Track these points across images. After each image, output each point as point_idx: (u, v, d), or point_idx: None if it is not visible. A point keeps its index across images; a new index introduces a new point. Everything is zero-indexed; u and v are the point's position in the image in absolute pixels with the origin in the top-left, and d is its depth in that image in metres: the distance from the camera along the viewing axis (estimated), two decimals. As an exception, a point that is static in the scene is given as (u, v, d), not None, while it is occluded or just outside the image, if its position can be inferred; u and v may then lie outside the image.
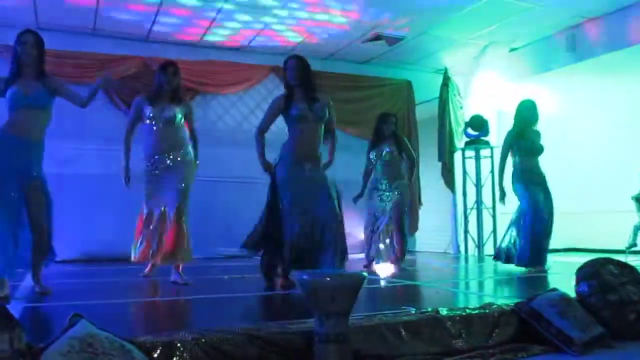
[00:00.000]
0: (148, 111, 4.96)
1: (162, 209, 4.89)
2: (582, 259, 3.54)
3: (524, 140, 5.93)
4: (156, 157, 4.89)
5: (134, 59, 7.76)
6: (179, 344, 2.18)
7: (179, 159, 4.86)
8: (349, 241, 4.74)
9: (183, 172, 4.82)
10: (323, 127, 4.73)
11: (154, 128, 4.94)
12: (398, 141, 6.48)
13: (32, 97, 4.06)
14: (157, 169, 4.89)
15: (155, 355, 2.12)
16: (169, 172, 4.84)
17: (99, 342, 1.92)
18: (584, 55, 7.68)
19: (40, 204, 4.06)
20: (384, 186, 6.33)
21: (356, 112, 9.10)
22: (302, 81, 4.59)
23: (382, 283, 4.91)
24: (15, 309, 2.89)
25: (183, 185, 4.79)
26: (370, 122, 9.12)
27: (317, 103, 4.62)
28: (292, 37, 8.03)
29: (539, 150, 6.02)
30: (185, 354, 2.18)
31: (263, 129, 4.65)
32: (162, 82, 5.02)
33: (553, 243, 10.55)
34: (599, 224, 10.54)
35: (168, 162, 4.85)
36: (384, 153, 6.38)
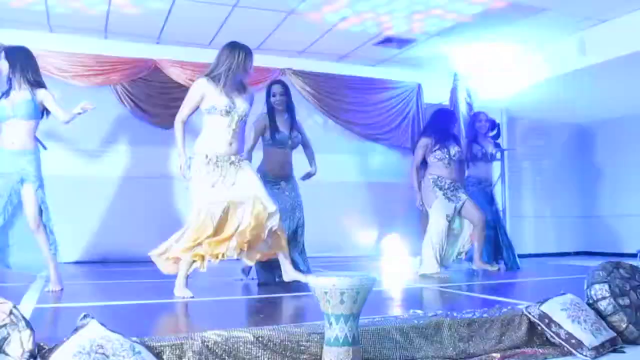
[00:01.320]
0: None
1: None
2: (594, 262, 3.51)
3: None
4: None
5: (145, 62, 7.80)
6: (187, 346, 2.19)
7: None
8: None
9: None
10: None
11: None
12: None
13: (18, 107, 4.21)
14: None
15: (165, 356, 2.13)
16: None
17: (109, 344, 1.93)
18: (594, 58, 7.63)
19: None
20: (454, 186, 5.85)
21: (366, 115, 9.10)
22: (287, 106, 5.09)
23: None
24: (25, 309, 2.91)
25: None
26: (380, 124, 9.17)
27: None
28: (302, 39, 8.03)
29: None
30: (194, 356, 2.18)
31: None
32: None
33: (564, 246, 10.55)
34: (610, 227, 10.48)
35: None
36: (453, 152, 5.86)
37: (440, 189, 5.74)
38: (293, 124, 5.08)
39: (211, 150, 4.09)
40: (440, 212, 5.64)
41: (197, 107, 4.22)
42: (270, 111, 5.05)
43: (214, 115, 4.12)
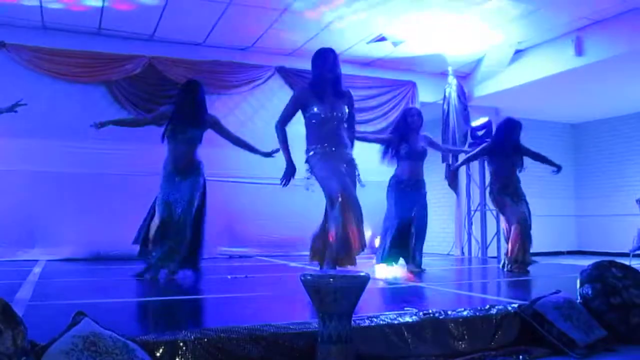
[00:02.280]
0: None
1: None
2: (586, 261, 3.53)
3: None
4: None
5: (139, 59, 7.78)
6: (182, 344, 2.19)
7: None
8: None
9: None
10: None
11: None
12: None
13: None
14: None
15: (158, 354, 2.13)
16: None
17: (102, 341, 1.92)
18: (590, 58, 7.65)
19: None
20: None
21: (360, 113, 9.10)
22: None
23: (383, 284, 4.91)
24: (18, 306, 2.90)
25: None
26: (374, 122, 9.16)
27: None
28: (296, 37, 8.03)
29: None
30: (188, 354, 2.18)
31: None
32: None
33: (557, 245, 10.59)
34: (603, 227, 10.53)
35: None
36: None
37: (507, 195, 5.91)
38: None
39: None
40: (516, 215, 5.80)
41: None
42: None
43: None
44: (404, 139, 5.91)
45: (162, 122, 5.08)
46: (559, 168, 6.23)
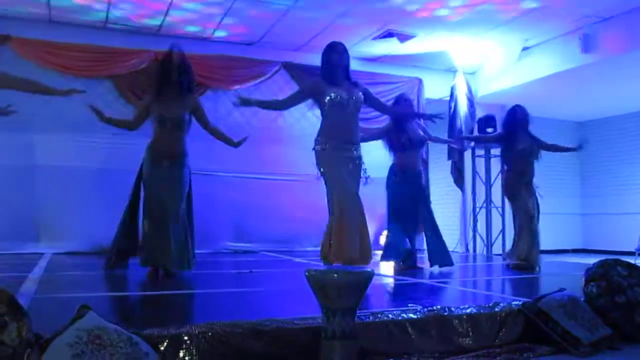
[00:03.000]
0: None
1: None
2: (591, 260, 3.52)
3: None
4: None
5: (145, 53, 7.78)
6: (186, 337, 2.19)
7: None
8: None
9: None
10: None
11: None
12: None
13: None
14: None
15: (162, 348, 2.13)
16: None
17: (106, 334, 1.93)
18: (597, 55, 7.62)
19: None
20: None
21: (367, 109, 9.07)
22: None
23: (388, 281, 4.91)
24: (23, 299, 2.91)
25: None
26: (380, 118, 9.13)
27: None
28: (303, 33, 8.02)
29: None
30: (192, 348, 2.18)
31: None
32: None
33: (562, 243, 10.56)
34: (609, 225, 10.50)
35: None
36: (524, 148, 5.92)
37: (522, 184, 5.80)
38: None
39: None
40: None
41: None
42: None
43: None
44: (401, 128, 5.75)
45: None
46: (576, 149, 6.22)
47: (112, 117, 5.03)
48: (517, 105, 6.19)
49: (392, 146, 5.85)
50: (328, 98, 4.51)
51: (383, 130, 6.01)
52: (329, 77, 4.64)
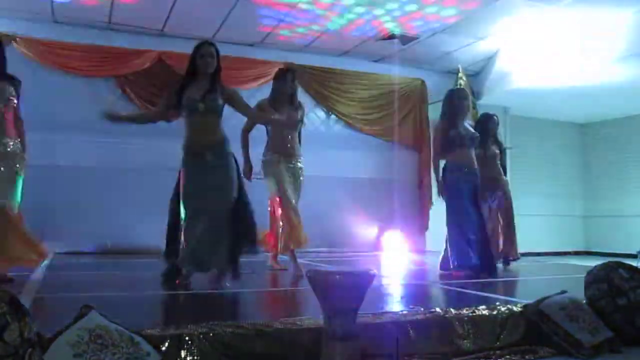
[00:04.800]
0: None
1: None
2: (593, 262, 3.51)
3: None
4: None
5: (149, 53, 7.79)
6: (187, 338, 2.19)
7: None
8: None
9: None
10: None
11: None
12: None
13: None
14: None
15: (164, 348, 2.14)
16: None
17: (108, 334, 1.93)
18: (600, 58, 7.61)
19: None
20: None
21: (369, 111, 9.09)
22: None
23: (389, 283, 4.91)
24: (25, 298, 2.92)
25: None
26: (383, 120, 9.15)
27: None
28: (306, 34, 8.02)
29: None
30: (193, 348, 2.19)
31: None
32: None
33: (564, 246, 10.55)
34: (610, 227, 10.48)
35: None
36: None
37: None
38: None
39: None
40: None
41: None
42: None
43: None
44: (452, 125, 5.36)
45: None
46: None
47: (131, 114, 4.96)
48: (485, 113, 6.44)
49: (445, 144, 5.42)
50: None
51: (437, 129, 5.60)
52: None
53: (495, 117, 6.36)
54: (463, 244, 5.14)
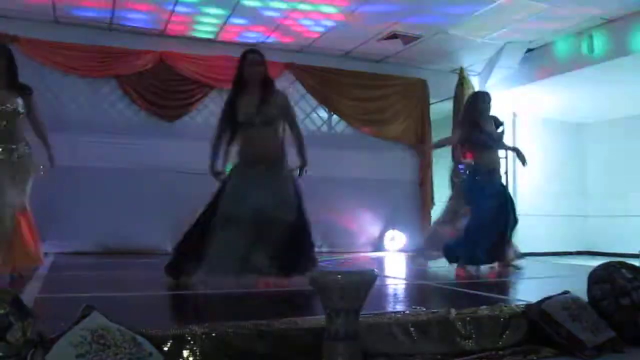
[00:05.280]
0: None
1: None
2: (595, 262, 3.51)
3: None
4: None
5: (150, 54, 7.80)
6: (189, 338, 2.19)
7: None
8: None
9: None
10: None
11: None
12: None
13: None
14: None
15: (166, 348, 2.14)
16: None
17: (110, 334, 1.93)
18: (603, 58, 7.60)
19: None
20: None
21: (371, 111, 9.09)
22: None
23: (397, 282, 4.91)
24: (27, 298, 2.92)
25: None
26: (385, 120, 9.15)
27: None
28: (307, 34, 8.03)
29: None
30: (195, 348, 2.19)
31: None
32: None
33: (566, 246, 10.53)
34: (613, 227, 10.46)
35: None
36: None
37: None
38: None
39: None
40: None
41: None
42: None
43: None
44: (475, 125, 5.44)
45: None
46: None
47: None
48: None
49: (473, 145, 5.57)
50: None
51: (464, 131, 5.67)
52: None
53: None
54: (476, 241, 5.25)
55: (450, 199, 6.15)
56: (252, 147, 4.14)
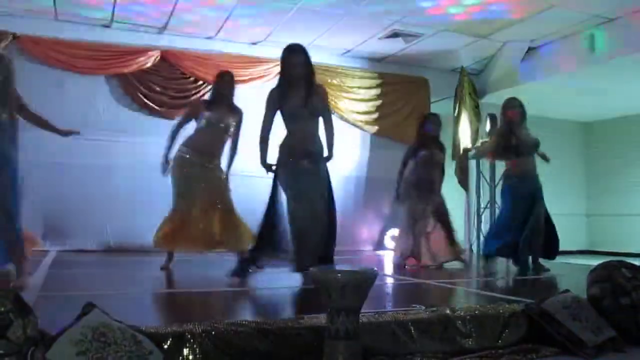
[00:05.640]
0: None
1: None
2: (596, 261, 3.51)
3: None
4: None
5: (151, 52, 7.80)
6: (189, 336, 2.20)
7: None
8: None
9: None
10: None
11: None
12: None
13: None
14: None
15: (166, 346, 2.14)
16: None
17: (111, 332, 1.94)
18: (604, 56, 7.59)
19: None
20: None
21: (371, 109, 9.09)
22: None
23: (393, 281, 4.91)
24: (29, 296, 2.92)
25: None
26: (386, 118, 9.15)
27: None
28: (308, 33, 8.01)
29: None
30: (195, 346, 2.19)
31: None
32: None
33: (567, 244, 10.51)
34: (614, 226, 10.46)
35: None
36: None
37: None
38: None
39: None
40: None
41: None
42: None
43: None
44: (510, 133, 5.66)
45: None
46: None
47: None
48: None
49: (506, 152, 5.78)
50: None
51: (498, 136, 5.96)
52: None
53: (435, 117, 6.47)
54: (499, 238, 5.64)
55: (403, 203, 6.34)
56: (298, 139, 4.36)
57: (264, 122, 4.47)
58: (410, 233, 6.14)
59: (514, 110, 5.68)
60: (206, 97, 5.44)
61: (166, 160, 5.09)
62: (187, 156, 5.06)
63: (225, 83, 5.25)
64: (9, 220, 3.72)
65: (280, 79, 4.51)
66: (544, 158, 5.92)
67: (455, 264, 6.10)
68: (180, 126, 5.24)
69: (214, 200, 5.08)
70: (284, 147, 4.41)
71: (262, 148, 4.43)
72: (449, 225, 6.25)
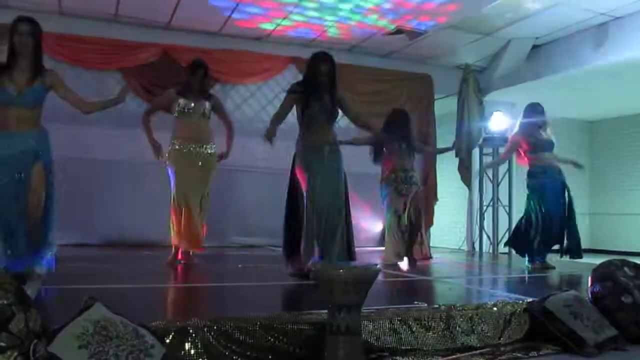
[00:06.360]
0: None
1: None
2: (598, 260, 3.50)
3: None
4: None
5: (155, 47, 7.79)
6: (191, 330, 2.20)
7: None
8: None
9: None
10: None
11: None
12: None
13: (25, 95, 3.97)
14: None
15: (168, 340, 2.15)
16: None
17: (112, 326, 1.94)
18: (609, 54, 7.57)
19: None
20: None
21: (376, 105, 9.06)
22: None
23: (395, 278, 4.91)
24: (30, 290, 2.93)
25: None
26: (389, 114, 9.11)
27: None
28: (312, 28, 8.01)
29: None
30: (197, 341, 2.20)
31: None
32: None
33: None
34: (616, 225, 10.45)
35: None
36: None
37: None
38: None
39: None
40: None
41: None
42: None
43: None
44: (532, 133, 6.04)
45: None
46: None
47: None
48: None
49: (528, 148, 6.06)
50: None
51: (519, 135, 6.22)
52: None
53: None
54: (523, 231, 5.83)
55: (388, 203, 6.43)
56: (317, 133, 4.56)
57: (279, 113, 4.62)
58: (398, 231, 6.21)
59: (538, 114, 6.19)
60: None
61: (154, 145, 5.34)
62: (177, 147, 5.21)
63: (197, 77, 5.31)
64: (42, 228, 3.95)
65: (304, 83, 4.65)
66: (576, 165, 6.38)
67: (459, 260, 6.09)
68: (149, 113, 5.44)
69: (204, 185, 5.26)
70: (302, 139, 4.58)
71: (272, 123, 4.50)
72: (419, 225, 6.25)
